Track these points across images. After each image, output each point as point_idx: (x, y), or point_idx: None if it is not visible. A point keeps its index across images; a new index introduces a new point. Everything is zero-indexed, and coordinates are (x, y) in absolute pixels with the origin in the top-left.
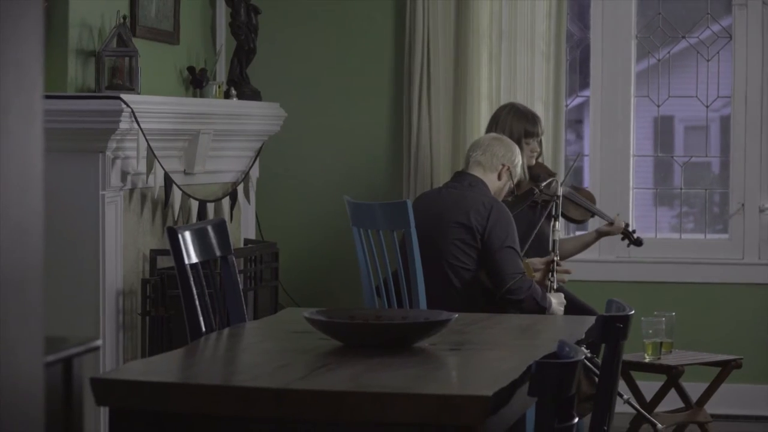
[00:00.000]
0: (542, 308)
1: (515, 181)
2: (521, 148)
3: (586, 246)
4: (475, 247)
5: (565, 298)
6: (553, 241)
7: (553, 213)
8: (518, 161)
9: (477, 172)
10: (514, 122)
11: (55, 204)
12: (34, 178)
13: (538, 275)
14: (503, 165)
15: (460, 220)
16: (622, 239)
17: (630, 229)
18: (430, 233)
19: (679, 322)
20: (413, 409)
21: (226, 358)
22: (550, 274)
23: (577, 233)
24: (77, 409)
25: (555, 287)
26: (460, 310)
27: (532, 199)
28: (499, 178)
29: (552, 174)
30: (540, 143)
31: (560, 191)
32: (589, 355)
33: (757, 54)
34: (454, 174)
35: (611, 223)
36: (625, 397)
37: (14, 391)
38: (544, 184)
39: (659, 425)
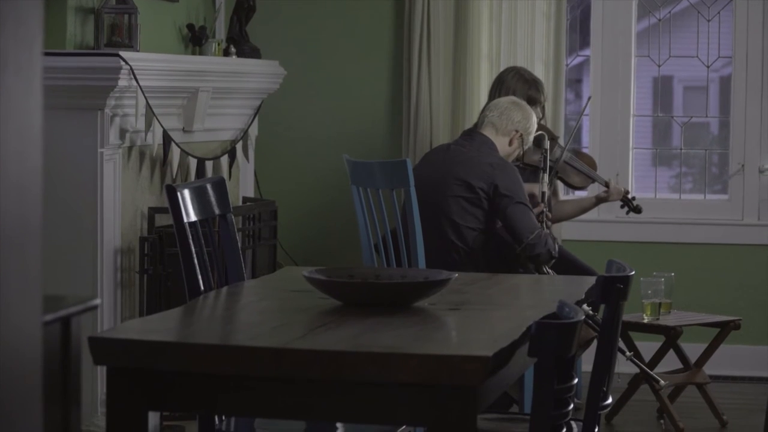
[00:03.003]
0: (553, 257)
1: (525, 148)
2: None
3: (583, 211)
4: (480, 207)
5: (564, 258)
6: (543, 192)
7: (541, 166)
8: (533, 129)
9: (488, 132)
10: (519, 88)
11: (54, 161)
12: (32, 136)
13: None
14: (517, 131)
15: (465, 179)
16: (621, 206)
17: (629, 196)
18: (434, 191)
19: (678, 282)
20: (412, 369)
21: (224, 317)
22: (541, 224)
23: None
24: (75, 368)
25: None
26: (462, 269)
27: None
28: (510, 143)
29: (553, 136)
30: (543, 109)
31: (547, 144)
32: (591, 313)
33: (758, 14)
34: (465, 131)
35: (608, 188)
36: (628, 354)
37: (12, 350)
38: (535, 135)
39: (662, 381)
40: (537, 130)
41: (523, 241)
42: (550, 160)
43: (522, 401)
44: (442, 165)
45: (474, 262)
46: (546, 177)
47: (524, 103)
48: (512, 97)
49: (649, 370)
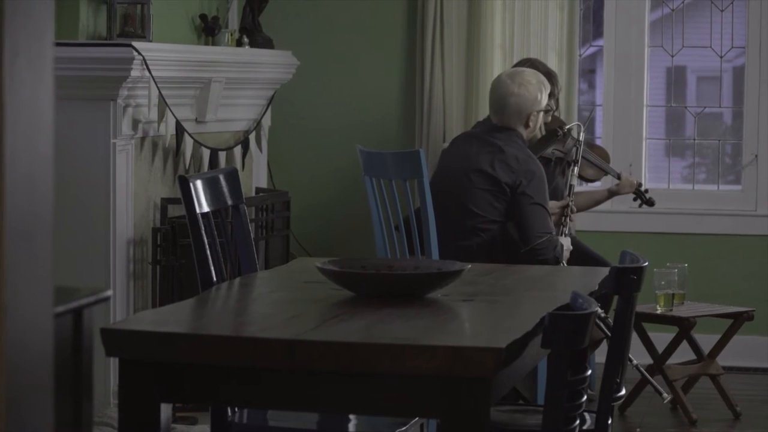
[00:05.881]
0: (558, 263)
1: (547, 116)
2: None
3: (596, 203)
4: (504, 200)
5: (578, 248)
6: (570, 185)
7: (573, 158)
8: (542, 99)
9: (510, 124)
10: None
11: (66, 152)
12: (44, 126)
13: (553, 218)
14: (528, 115)
15: (492, 173)
16: (634, 199)
17: (642, 188)
18: (458, 182)
19: (691, 273)
20: (425, 360)
21: (237, 309)
22: (564, 218)
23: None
24: (87, 359)
25: (566, 232)
26: (482, 261)
27: (555, 141)
28: (527, 126)
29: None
30: (557, 101)
31: (582, 136)
32: (602, 315)
33: None
34: (492, 124)
35: (619, 179)
36: (635, 362)
37: (24, 342)
38: (567, 126)
39: (665, 394)
40: (552, 123)
41: (530, 242)
42: (560, 151)
43: (534, 397)
44: (469, 156)
45: (493, 253)
46: (576, 169)
47: (519, 80)
48: (507, 87)
49: (652, 381)
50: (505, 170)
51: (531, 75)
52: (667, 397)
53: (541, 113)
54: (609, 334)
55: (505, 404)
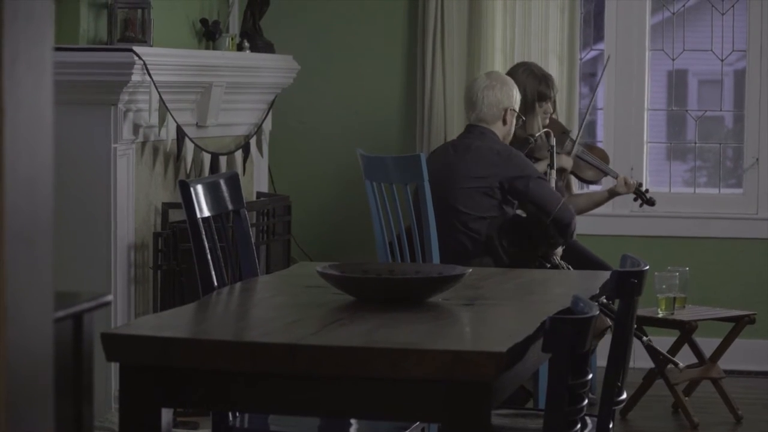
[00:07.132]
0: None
1: (520, 114)
2: (535, 110)
3: (596, 204)
4: (491, 196)
5: (578, 252)
6: None
7: (548, 162)
8: (516, 95)
9: (483, 124)
10: (529, 84)
11: (67, 157)
12: (44, 131)
13: None
14: (504, 109)
15: (475, 169)
16: (635, 199)
17: (643, 188)
18: (443, 185)
19: (692, 277)
20: (426, 364)
21: (238, 313)
22: None
23: (591, 187)
24: (87, 364)
25: None
26: (478, 259)
27: (528, 148)
28: (505, 122)
29: (565, 130)
30: (554, 103)
31: (553, 141)
32: (605, 301)
33: None
34: (466, 127)
35: (616, 180)
36: (645, 338)
37: (24, 346)
38: (538, 134)
39: (681, 364)
40: (547, 126)
41: (551, 212)
42: (559, 153)
43: (537, 395)
44: (450, 159)
45: (490, 251)
46: (553, 173)
47: (495, 77)
48: (483, 81)
49: (666, 354)
50: (487, 164)
51: (505, 76)
52: (682, 366)
53: (515, 115)
54: (614, 317)
55: (507, 408)
